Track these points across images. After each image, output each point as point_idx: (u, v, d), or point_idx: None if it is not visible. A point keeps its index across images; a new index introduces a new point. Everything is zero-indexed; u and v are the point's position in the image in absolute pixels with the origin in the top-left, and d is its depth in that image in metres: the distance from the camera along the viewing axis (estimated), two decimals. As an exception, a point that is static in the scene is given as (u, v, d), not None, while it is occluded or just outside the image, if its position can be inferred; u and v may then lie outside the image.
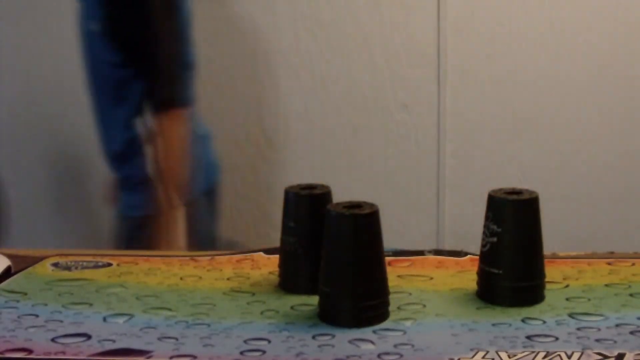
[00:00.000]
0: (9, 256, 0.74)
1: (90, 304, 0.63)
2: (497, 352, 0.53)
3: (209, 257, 0.76)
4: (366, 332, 0.57)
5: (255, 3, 1.67)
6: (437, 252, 0.76)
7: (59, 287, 0.67)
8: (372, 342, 0.55)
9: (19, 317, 0.60)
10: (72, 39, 1.75)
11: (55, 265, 0.74)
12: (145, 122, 1.39)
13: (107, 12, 1.36)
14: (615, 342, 0.54)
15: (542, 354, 0.52)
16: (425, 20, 1.64)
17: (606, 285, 0.66)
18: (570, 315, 0.59)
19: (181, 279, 0.69)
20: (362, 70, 1.67)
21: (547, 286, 0.64)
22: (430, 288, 0.66)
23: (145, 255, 0.77)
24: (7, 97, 1.77)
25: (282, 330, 0.57)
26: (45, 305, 0.63)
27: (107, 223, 1.80)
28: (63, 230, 1.82)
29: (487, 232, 0.62)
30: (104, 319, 0.60)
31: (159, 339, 0.56)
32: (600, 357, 0.52)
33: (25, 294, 0.66)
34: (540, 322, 0.58)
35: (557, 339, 0.55)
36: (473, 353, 0.53)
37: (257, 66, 1.70)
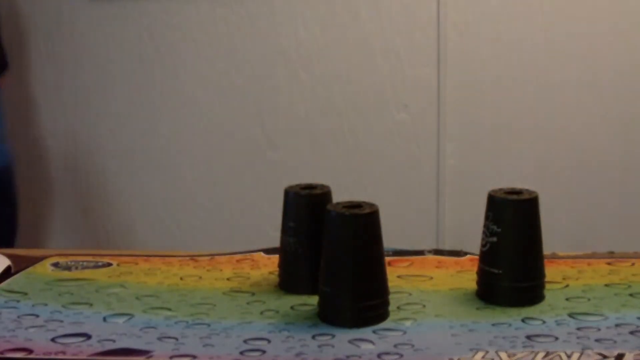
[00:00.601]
0: (9, 256, 0.74)
1: (90, 304, 0.63)
2: (497, 352, 0.53)
3: (208, 257, 0.76)
4: (366, 332, 0.57)
5: (255, 3, 1.67)
6: (437, 252, 0.76)
7: (59, 287, 0.67)
8: (372, 342, 0.55)
9: (19, 317, 0.60)
10: (72, 39, 1.75)
11: (55, 265, 0.74)
12: None
13: None
14: (615, 342, 0.54)
15: (541, 354, 0.52)
16: (425, 20, 1.64)
17: (606, 285, 0.66)
18: (570, 315, 0.59)
19: (181, 279, 0.70)
20: (362, 70, 1.67)
21: (547, 286, 0.64)
22: (430, 288, 0.66)
23: (145, 255, 0.77)
24: (8, 97, 1.77)
25: (282, 330, 0.57)
26: (45, 305, 0.63)
27: (107, 223, 1.80)
28: (63, 230, 1.82)
29: (487, 232, 0.62)
30: (104, 319, 0.60)
31: (159, 339, 0.56)
32: (600, 357, 0.52)
33: (26, 294, 0.66)
34: (540, 322, 0.58)
35: (557, 339, 0.55)
36: (473, 353, 0.53)
37: (257, 66, 1.70)
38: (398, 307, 0.61)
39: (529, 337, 0.55)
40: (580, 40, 1.62)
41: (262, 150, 1.72)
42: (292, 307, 0.62)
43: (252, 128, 1.72)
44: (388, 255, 0.66)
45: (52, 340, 0.56)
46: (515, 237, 0.61)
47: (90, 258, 0.75)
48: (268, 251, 0.77)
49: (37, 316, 0.61)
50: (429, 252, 0.76)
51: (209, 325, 0.58)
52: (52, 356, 0.53)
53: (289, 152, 1.72)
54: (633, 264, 0.71)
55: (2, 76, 1.61)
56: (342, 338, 0.56)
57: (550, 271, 0.67)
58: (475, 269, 0.65)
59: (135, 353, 0.54)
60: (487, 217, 0.62)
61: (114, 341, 0.56)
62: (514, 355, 0.52)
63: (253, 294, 0.66)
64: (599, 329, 0.56)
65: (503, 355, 0.53)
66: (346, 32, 1.66)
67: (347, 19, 1.66)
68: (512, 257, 0.62)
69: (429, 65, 1.66)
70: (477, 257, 0.65)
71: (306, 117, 1.70)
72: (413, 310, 0.61)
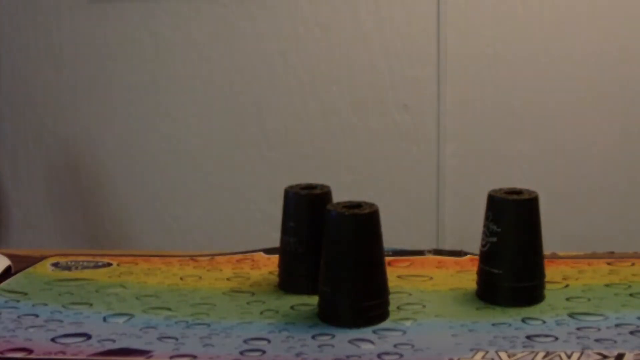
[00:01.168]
0: (9, 256, 0.74)
1: (90, 304, 0.63)
2: (497, 352, 0.53)
3: (208, 257, 0.76)
4: (366, 332, 0.57)
5: (255, 3, 1.67)
6: (437, 252, 0.76)
7: (59, 287, 0.67)
8: (372, 342, 0.55)
9: (19, 317, 0.60)
10: (72, 39, 1.75)
11: (55, 265, 0.74)
12: None
13: None
14: (615, 342, 0.54)
15: (541, 354, 0.52)
16: (425, 20, 1.64)
17: (606, 285, 0.66)
18: (570, 315, 0.59)
19: (181, 279, 0.70)
20: (362, 70, 1.67)
21: (547, 286, 0.64)
22: (430, 288, 0.66)
23: (145, 255, 0.77)
24: (8, 97, 1.77)
25: (281, 330, 0.57)
26: (45, 305, 0.63)
27: (107, 223, 1.80)
28: (63, 230, 1.82)
29: (487, 232, 0.62)
30: (104, 319, 0.60)
31: (159, 339, 0.56)
32: (600, 357, 0.52)
33: (25, 294, 0.66)
34: (540, 322, 0.58)
35: (557, 338, 0.55)
36: (473, 353, 0.53)
37: (257, 66, 1.70)
38: (398, 307, 0.61)
39: (529, 337, 0.55)
40: (580, 40, 1.62)
41: (262, 150, 1.72)
42: (292, 307, 0.62)
43: (252, 128, 1.72)
44: (388, 255, 0.66)
45: (52, 340, 0.56)
46: (515, 237, 0.62)
47: (90, 258, 0.75)
48: (268, 251, 0.77)
49: (37, 316, 0.61)
50: (429, 252, 0.76)
51: (209, 325, 0.59)
52: (52, 356, 0.53)
53: (288, 152, 1.72)
54: (633, 264, 0.71)
55: None
56: (342, 338, 0.56)
57: (550, 271, 0.67)
58: (475, 269, 0.65)
59: (135, 353, 0.54)
60: (487, 217, 0.62)
61: (114, 341, 0.56)
62: (514, 355, 0.52)
63: (253, 294, 0.66)
64: (599, 329, 0.56)
65: (503, 355, 0.53)
66: (346, 32, 1.66)
67: (347, 19, 1.66)
68: (512, 257, 0.62)
69: (429, 65, 1.66)
70: (477, 257, 0.65)
71: (306, 117, 1.70)
72: (413, 310, 0.61)
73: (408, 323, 0.58)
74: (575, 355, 0.52)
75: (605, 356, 0.52)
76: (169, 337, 0.56)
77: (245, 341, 0.55)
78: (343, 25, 1.67)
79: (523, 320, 0.59)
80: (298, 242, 0.65)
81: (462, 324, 0.58)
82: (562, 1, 1.62)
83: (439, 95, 1.67)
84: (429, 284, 0.67)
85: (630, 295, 0.63)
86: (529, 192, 0.63)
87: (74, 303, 0.63)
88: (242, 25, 1.69)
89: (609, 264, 0.72)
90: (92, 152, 1.77)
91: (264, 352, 0.54)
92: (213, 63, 1.70)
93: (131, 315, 0.61)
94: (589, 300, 0.62)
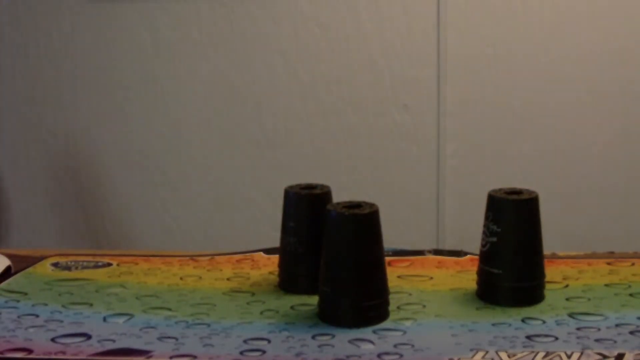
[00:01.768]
0: (9, 256, 0.74)
1: (90, 304, 0.63)
2: (497, 352, 0.53)
3: (208, 257, 0.76)
4: (366, 332, 0.57)
5: (255, 3, 1.67)
6: (437, 252, 0.76)
7: (59, 287, 0.67)
8: (372, 342, 0.55)
9: (19, 317, 0.60)
10: (72, 39, 1.75)
11: (55, 265, 0.74)
12: None
13: None
14: (615, 342, 0.54)
15: (541, 354, 0.52)
16: (425, 20, 1.64)
17: (606, 285, 0.66)
18: (570, 315, 0.59)
19: (181, 279, 0.70)
20: (362, 70, 1.67)
21: (547, 286, 0.64)
22: (430, 288, 0.66)
23: (145, 255, 0.77)
24: (8, 97, 1.77)
25: (282, 330, 0.57)
26: (45, 305, 0.63)
27: (107, 223, 1.80)
28: (63, 230, 1.82)
29: (487, 232, 0.62)
30: (104, 319, 0.60)
31: (159, 339, 0.56)
32: (600, 357, 0.52)
33: (25, 294, 0.66)
34: (540, 322, 0.58)
35: (557, 338, 0.55)
36: (473, 353, 0.53)
37: (257, 66, 1.70)
38: (398, 307, 0.61)
39: (529, 337, 0.55)
40: (580, 40, 1.62)
41: (262, 150, 1.72)
42: (292, 307, 0.62)
43: (252, 128, 1.72)
44: (388, 255, 0.66)
45: (52, 340, 0.56)
46: (515, 237, 0.62)
47: (90, 258, 0.75)
48: (268, 251, 0.77)
49: (37, 316, 0.61)
50: (429, 252, 0.76)
51: (209, 325, 0.59)
52: (52, 356, 0.53)
53: (288, 152, 1.72)
54: (633, 264, 0.71)
55: None
56: (342, 338, 0.56)
57: (550, 271, 0.67)
58: (475, 269, 0.65)
59: (135, 353, 0.54)
60: (487, 217, 0.62)
61: (114, 341, 0.56)
62: (514, 355, 0.52)
63: (253, 294, 0.66)
64: (599, 329, 0.56)
65: (503, 355, 0.53)
66: (346, 32, 1.66)
67: (347, 19, 1.66)
68: (512, 257, 0.62)
69: (429, 65, 1.66)
70: (477, 257, 0.65)
71: (306, 117, 1.70)
72: (413, 310, 0.61)
73: (408, 323, 0.58)
74: (575, 355, 0.52)
75: (605, 356, 0.52)
76: (169, 337, 0.56)
77: (245, 341, 0.55)
78: (343, 25, 1.67)
79: (523, 320, 0.59)
80: (298, 242, 0.65)
81: (462, 324, 0.58)
82: (562, 1, 1.62)
83: (439, 95, 1.67)
84: (429, 284, 0.67)
85: (630, 295, 0.63)
86: (529, 192, 0.63)
87: (74, 303, 0.63)
88: (242, 25, 1.69)
89: (609, 264, 0.72)
90: (92, 152, 1.77)
91: (264, 352, 0.54)
92: (213, 63, 1.70)
93: (131, 315, 0.61)
94: (589, 300, 0.62)
